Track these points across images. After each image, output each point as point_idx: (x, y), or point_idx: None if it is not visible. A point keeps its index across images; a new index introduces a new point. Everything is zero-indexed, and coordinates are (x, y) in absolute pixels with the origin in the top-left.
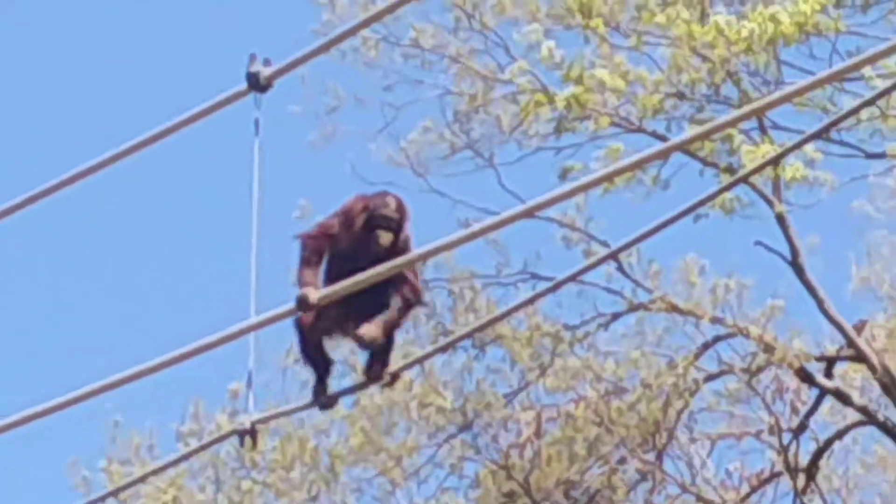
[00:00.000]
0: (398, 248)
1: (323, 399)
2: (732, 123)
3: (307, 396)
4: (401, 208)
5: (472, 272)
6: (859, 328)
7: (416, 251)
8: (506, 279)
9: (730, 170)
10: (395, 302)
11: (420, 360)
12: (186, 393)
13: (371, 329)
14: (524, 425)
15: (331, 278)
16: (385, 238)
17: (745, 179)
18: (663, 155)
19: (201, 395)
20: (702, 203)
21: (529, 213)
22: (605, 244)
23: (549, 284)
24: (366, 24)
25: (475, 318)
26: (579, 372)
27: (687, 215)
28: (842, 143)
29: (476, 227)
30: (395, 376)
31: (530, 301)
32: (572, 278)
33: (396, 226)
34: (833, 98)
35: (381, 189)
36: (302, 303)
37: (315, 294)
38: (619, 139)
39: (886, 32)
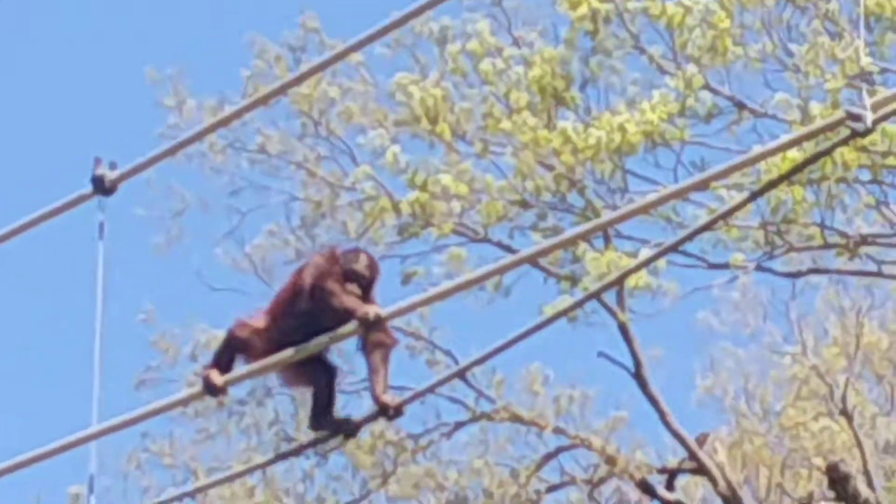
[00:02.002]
0: (367, 296)
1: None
2: (582, 236)
3: (150, 500)
4: (372, 265)
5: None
6: (701, 441)
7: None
8: (350, 387)
9: (572, 279)
10: (378, 354)
11: (263, 466)
12: (27, 495)
13: (392, 397)
14: None
15: (286, 333)
16: (361, 267)
17: (597, 296)
18: (510, 268)
19: (42, 497)
20: (553, 319)
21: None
22: (448, 353)
23: (394, 393)
24: (212, 128)
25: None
26: (422, 481)
27: (538, 331)
28: (684, 252)
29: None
30: (398, 408)
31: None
32: (424, 393)
33: (367, 282)
34: (676, 208)
35: (353, 247)
36: (208, 386)
37: (219, 378)
38: (463, 247)
39: (729, 143)
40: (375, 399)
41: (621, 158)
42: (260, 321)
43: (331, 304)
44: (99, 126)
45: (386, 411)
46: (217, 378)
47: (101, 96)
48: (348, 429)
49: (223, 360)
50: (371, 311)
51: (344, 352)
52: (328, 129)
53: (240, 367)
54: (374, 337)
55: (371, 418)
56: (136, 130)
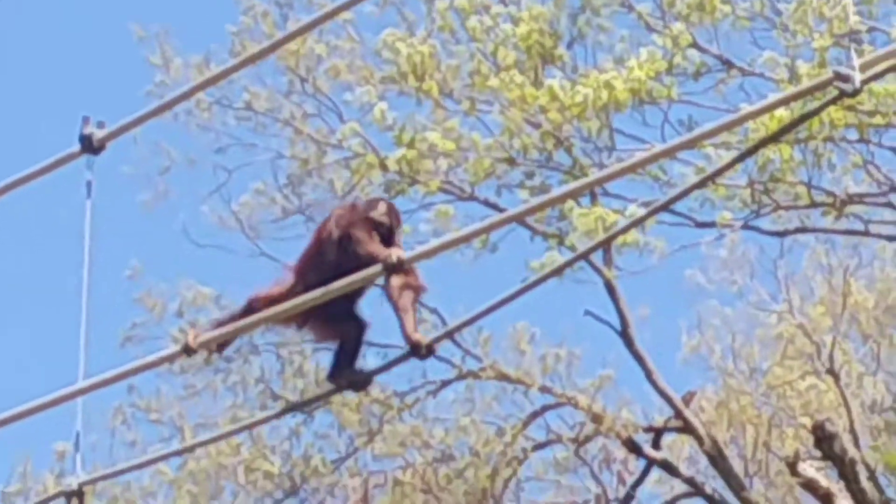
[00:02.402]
0: (390, 243)
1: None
2: (571, 196)
3: (136, 457)
4: (392, 212)
5: (301, 337)
6: (688, 399)
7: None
8: (333, 345)
9: (559, 236)
10: (406, 296)
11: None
12: (13, 452)
13: (422, 336)
14: (351, 491)
15: (314, 285)
16: (381, 215)
17: (586, 256)
18: (498, 226)
19: (28, 454)
20: (541, 280)
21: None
22: (435, 311)
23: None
24: (199, 88)
25: (303, 383)
26: (408, 439)
27: (527, 292)
28: (672, 210)
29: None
30: (430, 347)
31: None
32: (453, 332)
33: (388, 230)
34: (663, 166)
35: (373, 197)
36: (185, 347)
37: (196, 339)
38: (450, 205)
39: (717, 102)
40: (406, 338)
41: (608, 116)
42: (285, 283)
43: (356, 252)
44: (86, 85)
45: (418, 350)
46: (192, 339)
47: (88, 55)
48: (361, 379)
49: (221, 321)
50: (393, 253)
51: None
52: (315, 86)
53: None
54: (400, 280)
55: (402, 358)
56: (123, 89)
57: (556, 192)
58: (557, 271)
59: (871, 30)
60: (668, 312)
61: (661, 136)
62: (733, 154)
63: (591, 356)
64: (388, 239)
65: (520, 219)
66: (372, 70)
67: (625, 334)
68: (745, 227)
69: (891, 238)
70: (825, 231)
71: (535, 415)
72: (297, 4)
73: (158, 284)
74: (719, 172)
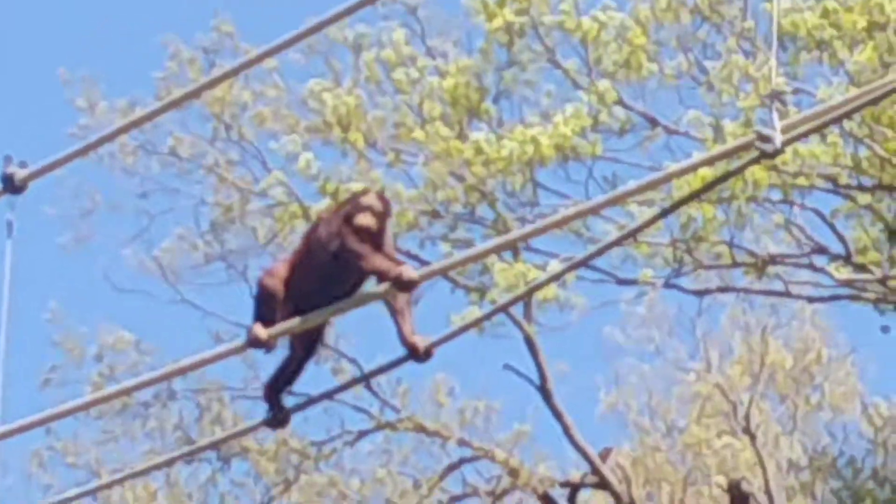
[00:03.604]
0: (380, 241)
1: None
2: (493, 251)
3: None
4: (382, 200)
5: (220, 384)
6: (604, 456)
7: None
8: (253, 392)
9: (481, 290)
10: (402, 297)
11: (162, 465)
12: None
13: (420, 339)
14: None
15: (306, 292)
16: (367, 219)
17: (505, 309)
18: (425, 279)
19: None
20: (461, 331)
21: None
22: (353, 361)
23: (299, 401)
24: (124, 130)
25: (221, 431)
26: (324, 489)
27: (446, 342)
28: (593, 267)
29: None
30: (428, 350)
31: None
32: (326, 397)
33: (379, 213)
34: (586, 223)
35: (360, 190)
36: (253, 341)
37: (264, 332)
38: None
39: (641, 159)
40: (404, 341)
41: (533, 171)
42: (283, 271)
43: (359, 267)
44: (10, 125)
45: (416, 353)
46: (261, 331)
47: (13, 95)
48: (282, 417)
49: (265, 314)
50: (404, 272)
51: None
52: (240, 133)
53: (285, 322)
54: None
55: (400, 361)
56: (47, 130)
57: (478, 247)
58: (477, 323)
59: (796, 91)
60: (586, 368)
61: (584, 191)
62: (656, 212)
63: (509, 410)
64: (380, 233)
65: (442, 272)
66: (297, 119)
67: (543, 389)
68: (667, 285)
69: (811, 299)
70: (746, 291)
71: (452, 467)
72: (223, 52)
73: (78, 328)
74: (640, 229)
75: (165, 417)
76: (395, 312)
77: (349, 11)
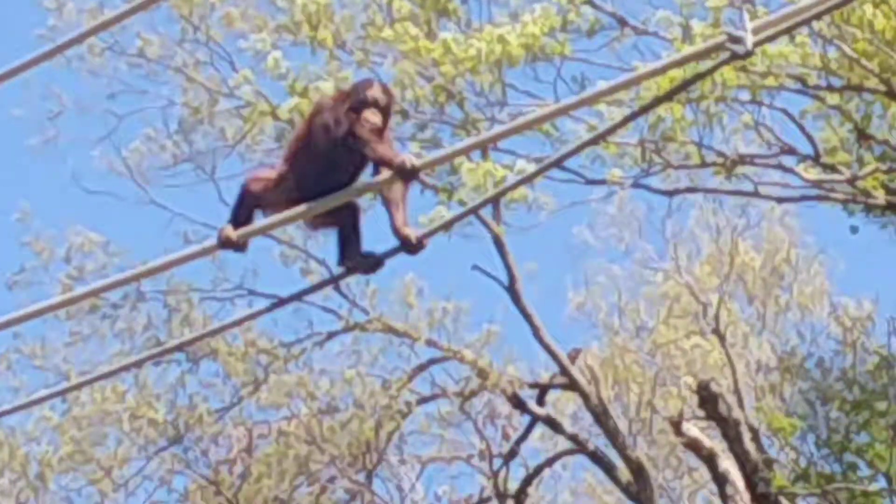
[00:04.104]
0: (383, 131)
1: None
2: (462, 152)
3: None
4: (387, 91)
5: (189, 286)
6: (573, 356)
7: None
8: (222, 294)
9: (449, 191)
10: (397, 189)
11: (130, 366)
12: None
13: (412, 230)
14: (235, 441)
15: (307, 180)
16: (374, 117)
17: (475, 211)
18: (388, 182)
19: None
20: (432, 233)
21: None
22: (322, 263)
23: (266, 301)
24: (92, 32)
25: (190, 332)
26: (293, 390)
27: (438, 232)
28: (561, 167)
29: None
30: (420, 241)
31: (248, 318)
32: (295, 298)
33: (384, 108)
34: (555, 123)
35: (364, 79)
36: (224, 241)
37: (234, 232)
38: None
39: (610, 60)
40: (396, 232)
41: (501, 71)
42: (274, 172)
43: (364, 153)
44: None
45: (408, 244)
46: (231, 232)
47: None
48: (371, 263)
49: (240, 216)
50: (408, 160)
51: None
52: (208, 34)
53: (260, 220)
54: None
55: (391, 253)
56: (14, 32)
57: (447, 149)
58: (447, 225)
59: None
60: (555, 269)
61: (553, 92)
62: (625, 111)
63: (478, 311)
64: (384, 125)
65: (441, 162)
66: (266, 19)
67: (512, 290)
68: (635, 185)
69: (780, 199)
70: (715, 191)
71: (420, 368)
72: None
73: (47, 229)
74: (611, 131)
75: (134, 319)
76: (389, 203)
77: None
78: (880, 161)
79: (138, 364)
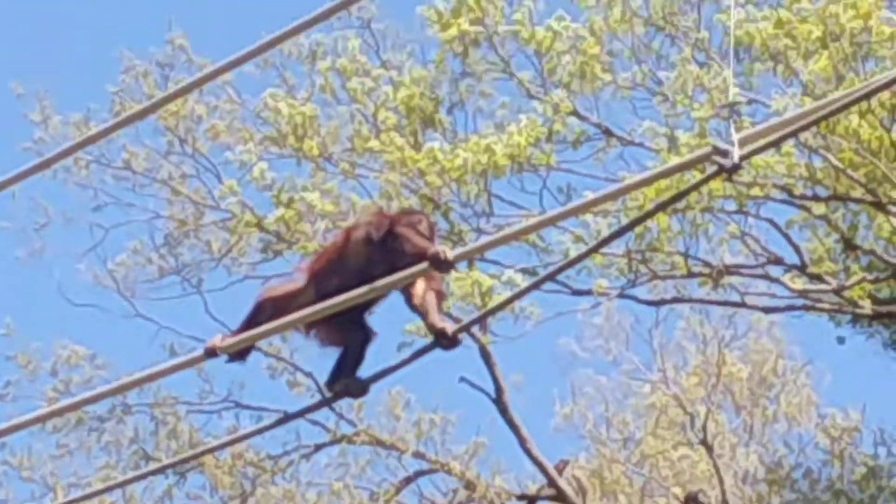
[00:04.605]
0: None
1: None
2: (492, 245)
3: None
4: (431, 226)
5: (176, 398)
6: (561, 468)
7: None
8: (209, 406)
9: None
10: (431, 292)
11: (122, 484)
12: None
13: (448, 325)
14: None
15: (329, 296)
16: (422, 225)
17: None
18: (378, 293)
19: None
20: (420, 354)
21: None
22: (309, 375)
23: (252, 414)
24: (79, 145)
25: (177, 445)
26: (280, 502)
27: (410, 363)
28: (548, 277)
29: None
30: (454, 337)
31: (240, 439)
32: (480, 320)
33: (427, 229)
34: (540, 233)
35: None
36: (209, 350)
37: (221, 341)
38: None
39: (596, 170)
40: (431, 327)
41: (487, 181)
42: (293, 285)
43: (403, 248)
44: None
45: (443, 337)
46: (218, 340)
47: None
48: (360, 387)
49: (242, 325)
50: (441, 251)
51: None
52: (194, 147)
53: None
54: (424, 285)
55: (427, 349)
56: (1, 145)
57: (478, 242)
58: (477, 321)
59: (750, 102)
60: (542, 380)
61: (539, 202)
62: (611, 221)
63: (465, 423)
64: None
65: (398, 286)
66: (251, 132)
67: (499, 401)
68: (622, 295)
69: (766, 310)
70: (701, 301)
71: (408, 480)
72: (177, 65)
73: (32, 342)
74: (603, 245)
75: (121, 431)
76: (423, 303)
77: (305, 26)
78: (867, 271)
79: (130, 482)
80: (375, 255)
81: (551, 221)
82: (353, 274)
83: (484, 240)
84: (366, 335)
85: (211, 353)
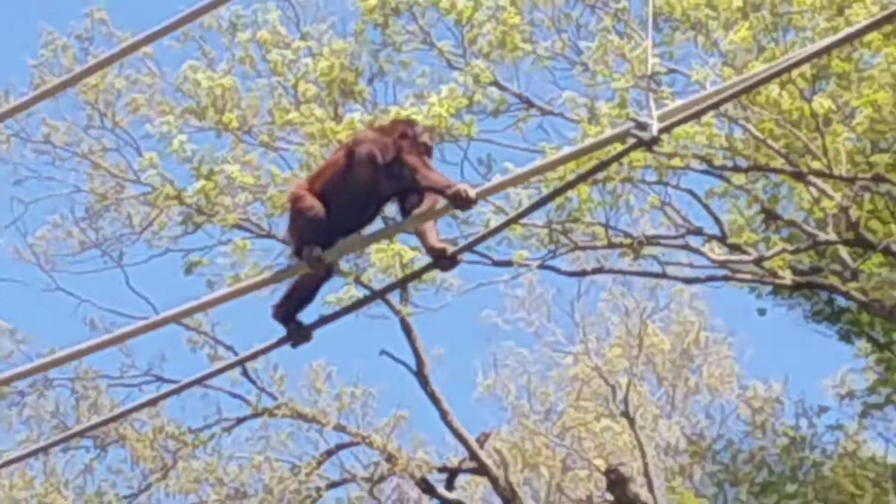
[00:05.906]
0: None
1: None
2: (377, 238)
3: None
4: (430, 130)
5: (97, 372)
6: (482, 440)
7: None
8: (130, 380)
9: (356, 273)
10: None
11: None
12: None
13: (447, 244)
14: None
15: (338, 217)
16: (429, 139)
17: (383, 295)
18: (481, 198)
19: None
20: (338, 315)
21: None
22: (230, 348)
23: (173, 387)
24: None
25: (98, 418)
26: (202, 475)
27: (324, 324)
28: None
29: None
30: (454, 256)
31: (152, 402)
32: (198, 382)
33: (427, 147)
34: None
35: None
36: (315, 261)
37: (321, 253)
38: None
39: (516, 140)
40: (430, 248)
41: None
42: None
43: (415, 180)
44: None
45: (442, 257)
46: (320, 251)
47: None
48: (303, 334)
49: (315, 235)
50: (462, 188)
51: None
52: (114, 120)
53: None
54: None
55: (426, 269)
56: None
57: (504, 177)
58: (354, 308)
59: (671, 71)
60: (464, 352)
61: (460, 172)
62: (531, 192)
63: (387, 396)
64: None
65: (500, 189)
66: (171, 105)
67: (420, 374)
68: (543, 266)
69: (687, 280)
70: (622, 272)
71: (329, 453)
72: (97, 38)
73: None
74: (522, 216)
75: (42, 405)
76: (421, 223)
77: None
78: (787, 242)
79: (45, 449)
80: (381, 175)
81: (480, 197)
82: (360, 193)
83: (505, 177)
84: (328, 275)
85: (318, 263)
